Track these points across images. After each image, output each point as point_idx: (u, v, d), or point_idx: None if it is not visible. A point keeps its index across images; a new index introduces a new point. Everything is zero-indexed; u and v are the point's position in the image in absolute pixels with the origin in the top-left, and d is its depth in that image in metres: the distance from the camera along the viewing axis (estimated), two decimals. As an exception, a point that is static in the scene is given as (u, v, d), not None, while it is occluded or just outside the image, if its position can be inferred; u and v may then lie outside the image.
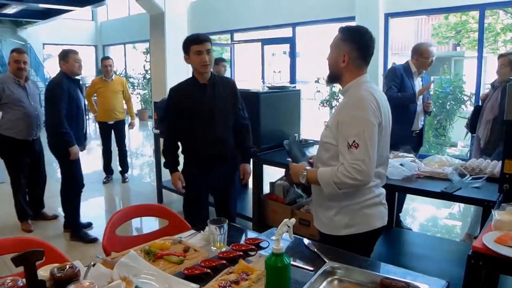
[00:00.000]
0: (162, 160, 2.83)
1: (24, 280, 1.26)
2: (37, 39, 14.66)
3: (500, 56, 3.38)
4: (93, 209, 4.80)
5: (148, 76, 12.09)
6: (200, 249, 1.68)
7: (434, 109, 7.04)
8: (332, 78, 1.92)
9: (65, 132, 3.53)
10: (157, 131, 4.26)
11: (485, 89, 6.01)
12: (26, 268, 1.24)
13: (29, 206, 4.13)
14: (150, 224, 4.02)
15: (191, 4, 10.03)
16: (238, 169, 2.86)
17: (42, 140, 4.02)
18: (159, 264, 1.57)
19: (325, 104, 8.14)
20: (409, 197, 4.17)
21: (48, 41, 14.76)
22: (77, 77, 3.79)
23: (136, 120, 6.44)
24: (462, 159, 3.13)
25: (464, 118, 5.47)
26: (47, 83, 3.85)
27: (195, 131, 2.60)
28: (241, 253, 1.61)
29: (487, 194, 2.29)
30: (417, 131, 3.69)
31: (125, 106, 5.73)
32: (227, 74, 6.51)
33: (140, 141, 10.03)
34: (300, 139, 3.95)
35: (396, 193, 3.44)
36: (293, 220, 1.39)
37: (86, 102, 5.96)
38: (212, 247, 1.68)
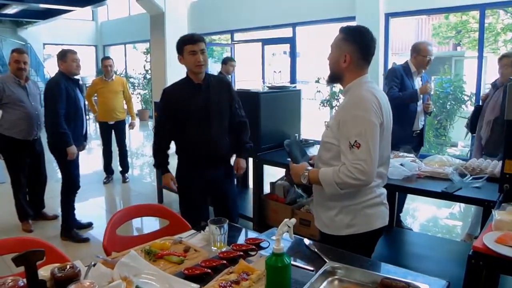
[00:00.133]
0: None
1: (24, 280, 1.26)
2: (38, 39, 14.67)
3: (503, 56, 3.35)
4: (94, 209, 4.80)
5: (148, 76, 12.10)
6: (201, 249, 1.68)
7: (434, 109, 7.04)
8: (333, 78, 1.92)
9: (62, 132, 3.53)
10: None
11: (486, 89, 6.01)
12: (26, 268, 1.24)
13: (30, 206, 4.14)
14: (150, 224, 4.02)
15: (191, 4, 10.03)
16: (233, 171, 2.86)
17: (42, 140, 4.02)
18: (160, 264, 1.57)
19: (325, 104, 8.14)
20: (409, 197, 4.17)
21: (48, 41, 14.77)
22: (76, 77, 3.78)
23: (137, 120, 6.45)
24: (462, 159, 3.13)
25: (464, 118, 5.46)
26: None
27: (190, 131, 2.58)
28: (242, 253, 1.61)
29: (487, 194, 2.29)
30: (418, 131, 3.69)
31: (125, 106, 5.73)
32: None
33: (141, 141, 10.04)
34: (300, 139, 3.96)
35: (397, 193, 3.44)
36: (293, 220, 1.39)
37: (86, 102, 5.98)
38: (212, 247, 1.68)
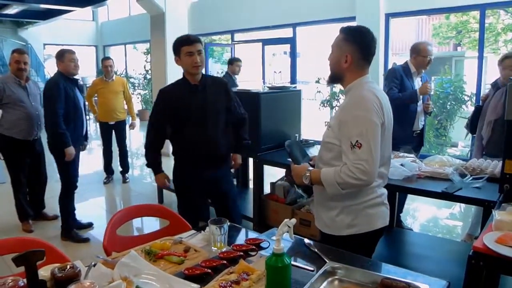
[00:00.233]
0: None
1: (25, 280, 1.26)
2: (38, 39, 14.68)
3: (506, 57, 3.34)
4: (94, 209, 4.80)
5: (148, 77, 12.10)
6: (201, 249, 1.68)
7: (434, 109, 7.04)
8: (334, 79, 1.92)
9: (61, 133, 3.53)
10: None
11: (486, 89, 6.00)
12: (27, 268, 1.24)
13: (30, 206, 4.14)
14: (150, 224, 4.02)
15: (191, 5, 10.03)
16: (231, 170, 2.86)
17: (42, 140, 4.02)
18: (160, 264, 1.57)
19: (325, 104, 8.14)
20: (409, 197, 4.16)
21: (48, 42, 14.77)
22: (75, 77, 3.78)
23: (137, 121, 6.45)
24: (462, 159, 3.13)
25: (464, 118, 5.46)
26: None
27: (187, 132, 2.58)
28: (242, 253, 1.61)
29: (487, 194, 2.29)
30: (418, 131, 3.69)
31: (126, 107, 5.74)
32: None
33: (141, 141, 10.03)
34: (301, 139, 3.96)
35: (397, 194, 3.44)
36: (293, 220, 1.39)
37: (87, 103, 5.97)
38: (212, 247, 1.68)
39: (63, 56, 3.64)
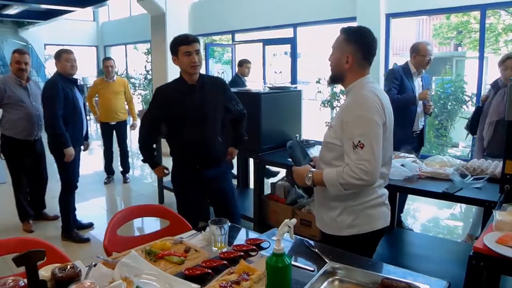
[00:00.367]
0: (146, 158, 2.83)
1: (25, 280, 1.26)
2: (39, 39, 14.70)
3: (508, 57, 3.33)
4: (95, 209, 4.81)
5: (149, 77, 12.10)
6: (201, 250, 1.68)
7: (435, 109, 7.04)
8: (335, 79, 1.92)
9: (60, 134, 3.52)
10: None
11: (486, 89, 6.00)
12: (27, 268, 1.25)
13: (30, 206, 4.14)
14: (151, 224, 4.02)
15: (192, 5, 10.03)
16: (229, 169, 2.86)
17: (43, 140, 4.02)
18: (160, 264, 1.57)
19: (326, 105, 8.13)
20: (410, 197, 4.16)
21: (49, 42, 14.79)
22: (74, 77, 3.76)
23: (138, 121, 6.45)
24: (463, 159, 3.13)
25: (465, 118, 5.46)
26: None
27: (184, 132, 2.58)
28: (242, 253, 1.61)
29: (488, 195, 2.29)
30: (418, 132, 3.69)
31: (127, 107, 5.74)
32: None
33: (141, 141, 10.02)
34: (301, 139, 3.95)
35: (397, 194, 3.44)
36: (294, 221, 1.39)
37: (87, 103, 5.97)
38: (213, 248, 1.69)
39: (60, 56, 3.63)
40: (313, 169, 1.90)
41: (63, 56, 3.62)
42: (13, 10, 11.12)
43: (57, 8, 10.38)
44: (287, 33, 8.41)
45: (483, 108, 3.47)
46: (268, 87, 4.15)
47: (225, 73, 9.87)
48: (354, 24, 6.04)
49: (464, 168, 2.69)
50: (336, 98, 7.81)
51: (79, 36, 15.12)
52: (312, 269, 1.53)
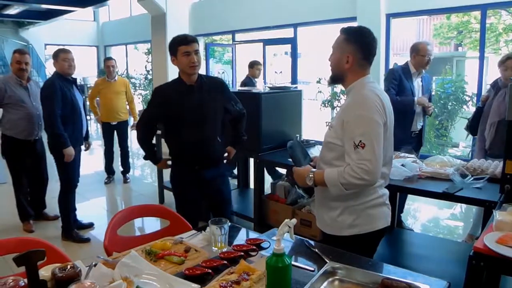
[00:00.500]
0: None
1: (25, 280, 1.26)
2: (39, 39, 14.71)
3: (509, 57, 3.32)
4: (95, 209, 4.81)
5: (149, 77, 12.11)
6: (201, 250, 1.68)
7: (435, 109, 7.03)
8: (335, 79, 1.92)
9: (59, 134, 3.51)
10: (159, 132, 4.29)
11: (487, 90, 6.00)
12: (27, 268, 1.25)
13: (31, 206, 4.14)
14: (151, 224, 4.02)
15: (192, 5, 10.04)
16: (228, 171, 2.86)
17: (43, 140, 4.03)
18: (160, 264, 1.57)
19: (326, 105, 8.13)
20: (410, 197, 4.16)
21: (50, 42, 14.80)
22: (73, 77, 3.75)
23: (139, 121, 6.45)
24: (463, 159, 3.13)
25: (465, 118, 5.46)
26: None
27: (183, 132, 2.57)
28: (242, 253, 1.61)
29: (488, 195, 2.29)
30: (416, 132, 3.68)
31: (128, 107, 5.75)
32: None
33: (142, 141, 10.02)
34: (302, 139, 3.95)
35: (398, 194, 3.44)
36: (294, 221, 1.39)
37: (88, 103, 5.98)
38: (213, 248, 1.69)
39: (58, 56, 3.62)
40: (314, 169, 1.90)
41: (60, 56, 3.61)
42: (13, 10, 11.14)
43: (58, 8, 10.40)
44: (288, 33, 8.42)
45: (483, 108, 3.46)
46: (269, 87, 4.15)
47: (226, 73, 9.87)
48: (354, 24, 6.04)
49: (465, 168, 2.69)
50: (337, 98, 7.81)
51: (79, 36, 15.14)
52: (312, 269, 1.53)
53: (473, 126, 3.58)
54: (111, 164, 5.84)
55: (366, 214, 1.83)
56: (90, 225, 4.15)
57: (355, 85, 1.83)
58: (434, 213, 4.68)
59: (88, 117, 4.13)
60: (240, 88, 4.29)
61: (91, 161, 6.93)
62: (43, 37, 14.70)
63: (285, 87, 4.07)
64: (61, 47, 3.84)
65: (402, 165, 2.72)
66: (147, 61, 12.18)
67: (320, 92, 9.67)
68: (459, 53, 12.38)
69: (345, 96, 1.93)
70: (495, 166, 2.64)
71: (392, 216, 2.04)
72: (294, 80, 8.26)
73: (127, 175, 5.93)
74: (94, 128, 11.16)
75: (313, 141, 4.02)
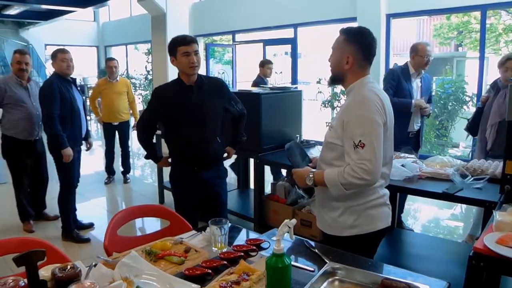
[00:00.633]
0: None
1: (25, 280, 1.26)
2: (39, 40, 14.72)
3: (509, 58, 3.32)
4: (95, 210, 4.81)
5: (150, 77, 12.11)
6: (201, 250, 1.68)
7: (435, 110, 7.03)
8: (335, 80, 1.92)
9: (57, 134, 3.51)
10: (159, 132, 4.30)
11: (486, 90, 5.99)
12: (27, 268, 1.25)
13: (31, 206, 4.14)
14: (151, 224, 4.03)
15: (192, 5, 10.04)
16: (226, 174, 2.86)
17: (43, 140, 4.03)
18: (160, 264, 1.57)
19: (326, 105, 8.13)
20: (410, 197, 4.16)
21: (50, 42, 14.80)
22: (72, 77, 3.74)
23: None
24: (464, 160, 3.13)
25: (465, 118, 5.46)
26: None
27: (182, 133, 2.57)
28: (242, 253, 1.61)
29: (488, 195, 2.29)
30: (414, 132, 3.68)
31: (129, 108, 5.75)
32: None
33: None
34: (301, 140, 3.96)
35: (398, 194, 3.44)
36: (293, 221, 1.39)
37: (88, 103, 5.98)
38: (213, 248, 1.69)
39: (56, 57, 3.62)
40: (314, 170, 1.90)
41: (58, 56, 3.61)
42: (13, 11, 11.14)
43: (58, 8, 10.40)
44: (288, 33, 8.42)
45: (483, 109, 3.46)
46: (269, 87, 4.15)
47: (226, 74, 9.87)
48: (354, 24, 6.03)
49: (465, 169, 2.69)
50: (337, 98, 7.82)
51: (79, 36, 15.14)
52: (312, 269, 1.53)
53: (473, 127, 3.57)
54: (112, 164, 5.85)
55: (367, 214, 1.83)
56: (90, 225, 4.15)
57: (355, 85, 1.83)
58: (434, 214, 4.68)
59: (88, 117, 4.12)
60: (240, 89, 4.29)
61: (92, 161, 6.93)
62: (43, 38, 14.71)
63: (285, 88, 4.07)
64: (61, 47, 3.83)
65: (402, 165, 2.72)
66: (147, 61, 12.19)
67: (320, 92, 9.68)
68: (459, 53, 12.38)
69: (345, 96, 1.92)
70: (495, 166, 2.64)
71: (392, 217, 2.05)
72: (294, 80, 8.26)
73: (127, 175, 5.93)
74: (94, 128, 11.17)
75: (313, 141, 4.02)
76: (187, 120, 2.54)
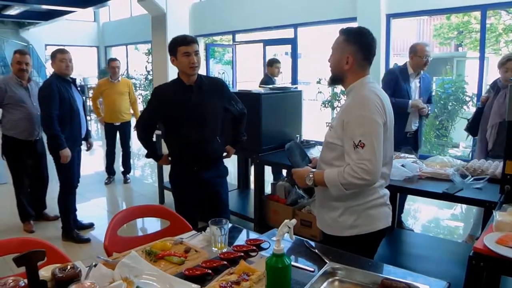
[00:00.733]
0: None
1: (25, 280, 1.26)
2: (40, 40, 14.73)
3: (509, 59, 3.31)
4: (95, 210, 4.81)
5: (150, 77, 12.13)
6: (201, 250, 1.68)
7: (436, 110, 7.03)
8: (335, 80, 1.92)
9: (55, 135, 3.50)
10: (159, 132, 4.32)
11: (486, 90, 5.99)
12: (27, 268, 1.25)
13: (31, 206, 4.14)
14: (151, 224, 4.03)
15: (192, 5, 10.05)
16: (227, 172, 2.86)
17: (44, 141, 4.03)
18: (160, 264, 1.57)
19: (326, 105, 8.14)
20: (410, 198, 4.16)
21: (50, 42, 14.82)
22: (72, 77, 3.74)
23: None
24: (464, 160, 3.12)
25: (465, 119, 5.46)
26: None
27: (182, 133, 2.57)
28: (242, 253, 1.61)
29: (488, 195, 2.29)
30: (412, 132, 3.68)
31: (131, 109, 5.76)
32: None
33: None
34: (301, 140, 3.95)
35: (398, 194, 3.44)
36: (293, 221, 1.39)
37: (90, 103, 5.96)
38: (213, 248, 1.69)
39: (55, 57, 3.61)
40: (314, 170, 1.90)
41: (57, 57, 3.60)
42: (14, 11, 11.15)
43: (58, 8, 10.41)
44: (288, 33, 8.43)
45: (483, 109, 3.46)
46: (269, 88, 4.15)
47: (226, 74, 9.88)
48: (354, 24, 6.04)
49: (465, 169, 2.69)
50: (337, 98, 7.82)
51: (79, 37, 15.16)
52: (312, 269, 1.53)
53: (473, 127, 3.57)
54: (112, 164, 5.85)
55: (367, 214, 1.83)
56: (90, 226, 4.15)
57: (355, 85, 1.83)
58: (434, 214, 4.68)
59: (88, 117, 4.13)
60: (241, 89, 4.28)
61: (92, 161, 6.93)
62: (43, 38, 14.73)
63: (285, 88, 4.07)
64: (61, 47, 3.83)
65: (402, 165, 2.72)
66: (147, 61, 12.20)
67: (320, 92, 9.68)
68: (459, 53, 12.38)
69: (345, 96, 1.92)
70: (495, 166, 2.64)
71: (393, 217, 2.05)
72: (294, 80, 8.27)
73: (128, 175, 5.93)
74: (94, 128, 11.17)
75: (313, 142, 4.02)
76: (187, 120, 2.54)
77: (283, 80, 9.60)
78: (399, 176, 2.61)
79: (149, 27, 9.66)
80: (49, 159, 4.14)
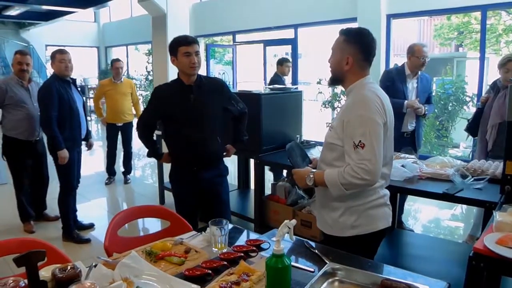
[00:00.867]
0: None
1: (26, 280, 1.26)
2: (40, 40, 14.74)
3: (509, 60, 3.31)
4: (95, 210, 4.81)
5: (150, 78, 12.12)
6: (201, 250, 1.68)
7: (436, 110, 7.02)
8: (335, 80, 1.93)
9: (53, 136, 3.50)
10: (159, 132, 4.32)
11: (486, 91, 5.99)
12: (28, 268, 1.25)
13: (31, 207, 4.14)
14: (151, 225, 4.03)
15: (193, 6, 10.05)
16: (227, 171, 2.86)
17: (44, 141, 4.03)
18: (160, 265, 1.57)
19: (327, 105, 8.14)
20: (411, 198, 4.16)
21: (50, 43, 14.81)
22: (72, 77, 3.74)
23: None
24: (464, 160, 3.12)
25: (465, 119, 5.46)
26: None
27: (182, 132, 2.58)
28: (242, 254, 1.61)
29: (488, 195, 2.29)
30: (409, 133, 3.67)
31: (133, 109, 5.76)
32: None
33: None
34: (302, 140, 3.96)
35: (398, 195, 3.43)
36: (293, 221, 1.39)
37: (91, 104, 5.96)
38: (213, 248, 1.69)
39: (54, 57, 3.61)
40: (314, 170, 1.90)
41: (57, 57, 3.60)
42: (14, 11, 11.15)
43: (58, 9, 10.42)
44: (288, 33, 8.43)
45: (483, 109, 3.46)
46: (269, 88, 4.15)
47: (226, 74, 9.87)
48: (355, 24, 6.05)
49: (465, 169, 2.69)
50: (337, 98, 7.82)
51: (80, 37, 15.17)
52: (312, 270, 1.53)
53: (473, 127, 3.57)
54: (113, 165, 5.85)
55: (367, 214, 1.83)
56: (90, 226, 4.15)
57: (355, 85, 1.84)
58: (434, 214, 4.68)
59: (88, 118, 4.12)
60: (241, 89, 4.28)
61: (92, 162, 6.94)
62: (44, 38, 14.73)
63: (285, 88, 4.07)
64: (60, 48, 3.83)
65: (402, 165, 2.72)
66: (147, 62, 12.20)
67: (321, 93, 9.69)
68: (459, 53, 12.38)
69: (345, 96, 1.93)
70: (495, 167, 2.64)
71: (393, 217, 2.05)
72: (294, 80, 8.26)
73: (128, 176, 5.93)
74: (94, 128, 11.17)
75: (313, 142, 4.02)
76: (186, 120, 2.55)
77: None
78: (399, 177, 2.61)
79: (150, 28, 9.66)
80: (50, 159, 4.15)
